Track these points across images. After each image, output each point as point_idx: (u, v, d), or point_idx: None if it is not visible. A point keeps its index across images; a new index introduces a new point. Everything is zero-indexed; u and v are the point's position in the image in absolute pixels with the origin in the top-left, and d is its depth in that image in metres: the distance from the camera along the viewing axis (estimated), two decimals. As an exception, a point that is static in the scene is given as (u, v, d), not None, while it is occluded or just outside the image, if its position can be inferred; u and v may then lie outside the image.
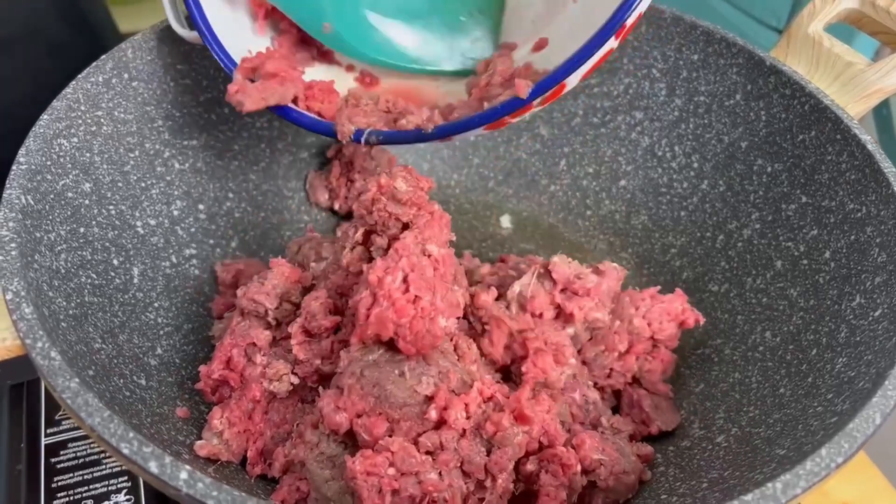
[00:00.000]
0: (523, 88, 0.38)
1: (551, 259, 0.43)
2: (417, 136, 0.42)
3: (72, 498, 0.43)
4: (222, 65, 0.43)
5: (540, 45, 0.45)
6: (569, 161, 0.57)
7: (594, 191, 0.56)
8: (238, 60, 0.43)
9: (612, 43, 0.37)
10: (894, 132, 0.95)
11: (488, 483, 0.34)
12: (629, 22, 0.36)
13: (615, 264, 0.45)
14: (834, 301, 0.40)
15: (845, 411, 0.32)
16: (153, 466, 0.26)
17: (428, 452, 0.34)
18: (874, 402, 0.30)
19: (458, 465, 0.34)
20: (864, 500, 0.60)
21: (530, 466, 0.35)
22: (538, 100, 0.38)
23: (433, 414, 0.34)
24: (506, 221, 0.57)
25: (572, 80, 0.38)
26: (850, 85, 0.47)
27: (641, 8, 0.36)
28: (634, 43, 0.53)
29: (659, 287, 0.45)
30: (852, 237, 0.41)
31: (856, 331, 0.38)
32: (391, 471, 0.32)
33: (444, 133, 0.41)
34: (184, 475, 0.26)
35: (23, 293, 0.31)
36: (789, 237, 0.46)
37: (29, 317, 0.31)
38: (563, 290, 0.43)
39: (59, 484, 0.44)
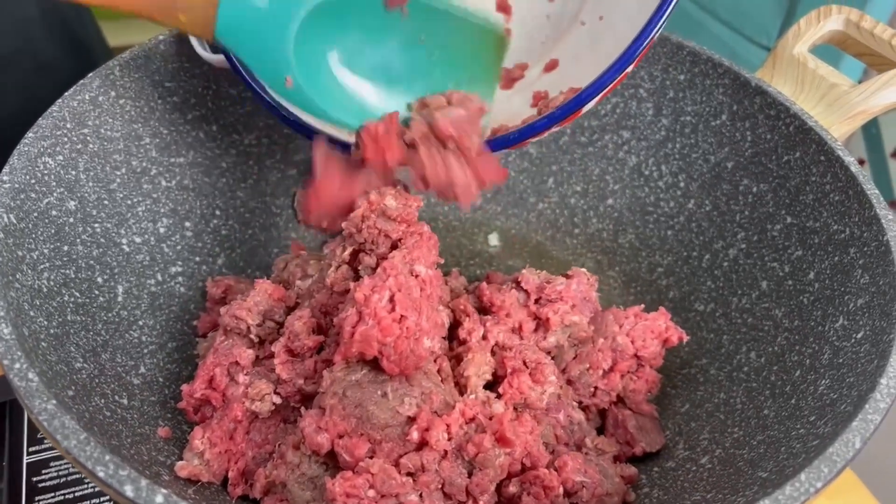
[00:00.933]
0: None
1: (520, 273, 0.44)
2: None
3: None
4: (257, 96, 0.42)
5: (551, 66, 0.45)
6: (557, 179, 0.57)
7: (582, 209, 0.57)
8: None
9: (630, 68, 0.37)
10: (884, 151, 0.95)
11: (468, 504, 0.34)
12: (647, 50, 0.36)
13: (584, 269, 0.45)
14: (818, 322, 0.41)
15: (826, 434, 0.32)
16: (129, 490, 0.26)
17: (409, 474, 0.34)
18: (854, 426, 0.30)
19: (440, 486, 0.34)
20: (852, 520, 0.60)
21: (512, 488, 0.35)
22: (557, 126, 0.39)
23: (415, 435, 0.34)
24: (493, 239, 0.57)
25: (590, 105, 0.39)
26: (835, 106, 0.48)
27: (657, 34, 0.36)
28: (622, 63, 0.53)
29: (643, 305, 0.45)
30: (836, 258, 0.42)
31: (839, 352, 0.38)
32: (371, 492, 0.32)
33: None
34: (159, 499, 0.26)
35: (2, 313, 0.31)
36: (774, 257, 0.46)
37: (7, 337, 0.31)
38: (536, 301, 0.43)
39: (40, 503, 0.43)
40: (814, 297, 0.42)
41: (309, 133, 0.42)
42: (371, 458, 0.34)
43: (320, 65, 0.41)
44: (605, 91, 0.38)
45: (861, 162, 0.96)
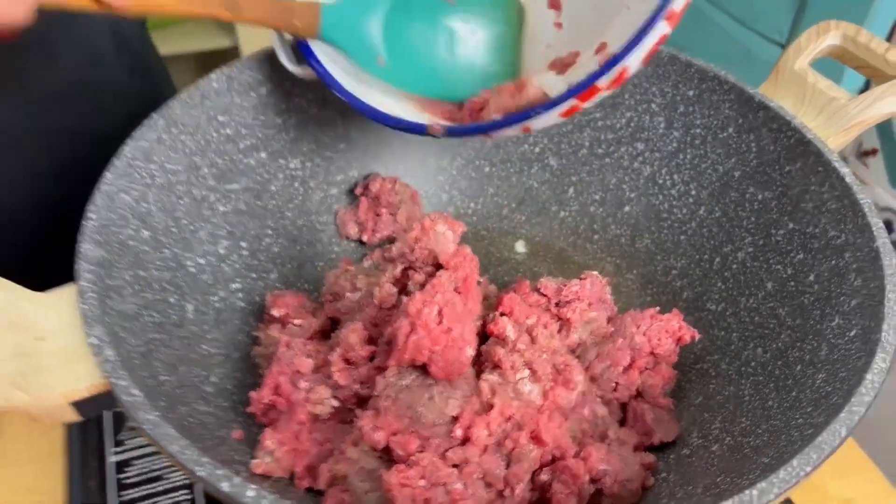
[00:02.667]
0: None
1: (540, 280, 0.49)
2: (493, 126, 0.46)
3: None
4: (342, 97, 0.49)
5: (600, 48, 0.47)
6: (577, 189, 0.62)
7: (601, 216, 0.61)
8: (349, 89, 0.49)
9: (664, 27, 0.39)
10: None
11: (507, 493, 0.39)
12: (678, 8, 0.38)
13: (596, 272, 0.51)
14: (817, 321, 0.45)
15: (820, 424, 0.37)
16: (225, 486, 0.31)
17: (454, 466, 0.39)
18: (841, 417, 0.35)
19: (481, 476, 0.39)
20: (863, 498, 0.64)
21: (544, 476, 0.40)
22: (606, 82, 0.41)
23: (459, 432, 0.39)
24: (520, 247, 0.62)
25: (634, 64, 0.41)
26: (834, 118, 0.52)
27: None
28: (634, 80, 0.58)
29: (658, 308, 0.50)
30: (833, 262, 0.46)
31: (834, 349, 0.42)
32: (422, 482, 0.37)
33: (518, 119, 0.44)
34: (250, 493, 0.31)
35: (104, 338, 0.37)
36: (778, 260, 0.50)
37: (112, 359, 0.36)
38: (556, 304, 0.48)
39: (127, 498, 0.49)
40: (813, 297, 0.46)
41: (388, 122, 0.48)
42: (421, 452, 0.39)
43: (399, 42, 0.51)
44: (642, 53, 0.40)
45: (874, 151, 1.00)
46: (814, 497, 0.64)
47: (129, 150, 0.47)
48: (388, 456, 0.40)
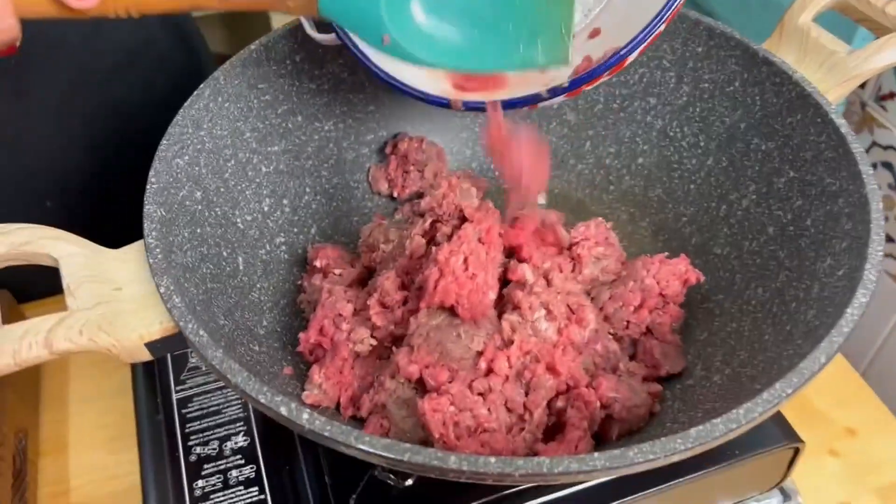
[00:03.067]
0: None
1: None
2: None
3: (202, 439, 0.55)
4: (364, 64, 0.48)
5: (594, 34, 0.49)
6: (593, 143, 0.66)
7: (615, 168, 0.65)
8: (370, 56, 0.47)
9: (661, 27, 0.43)
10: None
11: (527, 417, 0.44)
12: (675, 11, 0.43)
13: (600, 218, 0.56)
14: (811, 262, 0.49)
15: (806, 353, 0.41)
16: (283, 410, 0.37)
17: (480, 394, 0.44)
18: (822, 346, 0.39)
19: (503, 403, 0.44)
20: (865, 427, 0.69)
21: (560, 403, 0.46)
22: (607, 73, 0.44)
23: (483, 365, 0.45)
24: (541, 198, 0.66)
25: (632, 57, 0.45)
26: (833, 71, 0.55)
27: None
28: (646, 37, 0.61)
29: (667, 253, 0.54)
30: (828, 207, 0.49)
31: (825, 287, 0.46)
32: (451, 408, 0.42)
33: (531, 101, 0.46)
34: (305, 416, 0.36)
35: (171, 287, 0.42)
36: (779, 206, 0.54)
37: (179, 305, 0.41)
38: (569, 248, 0.52)
39: (190, 429, 0.55)
40: (810, 240, 0.50)
41: (409, 92, 0.48)
42: (450, 382, 0.44)
43: (408, 18, 0.46)
44: (640, 49, 0.44)
45: (892, 95, 1.01)
46: (818, 425, 0.69)
47: (181, 118, 0.52)
48: (421, 387, 0.46)
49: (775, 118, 0.55)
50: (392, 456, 0.35)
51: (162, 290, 0.42)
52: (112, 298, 0.43)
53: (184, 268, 0.46)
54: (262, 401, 0.37)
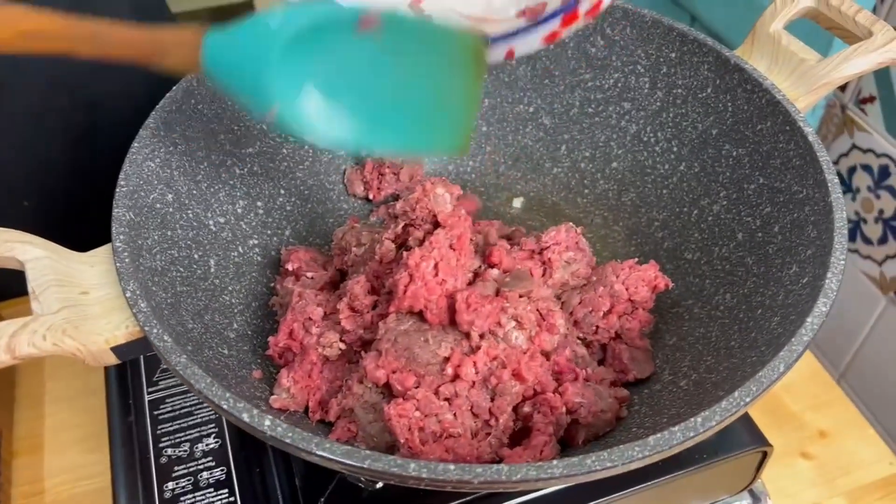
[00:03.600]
0: None
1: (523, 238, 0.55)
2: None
3: (173, 441, 0.55)
4: None
5: None
6: (568, 146, 0.66)
7: (590, 172, 0.65)
8: None
9: None
10: (893, 87, 1.00)
11: (493, 422, 0.44)
12: None
13: (570, 224, 0.56)
14: (778, 268, 0.49)
15: (767, 361, 0.42)
16: (245, 417, 0.37)
17: (446, 399, 0.44)
18: (781, 355, 0.39)
19: (469, 408, 0.44)
20: (836, 429, 0.70)
21: (526, 408, 0.46)
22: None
23: (449, 371, 0.45)
24: (517, 203, 0.66)
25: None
26: (804, 78, 0.55)
27: None
28: (621, 42, 0.61)
29: (640, 258, 0.54)
30: (795, 214, 0.50)
31: (789, 294, 0.46)
32: (417, 413, 0.43)
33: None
34: (267, 422, 0.37)
35: (137, 291, 0.42)
36: (749, 213, 0.54)
37: (144, 310, 0.41)
38: (539, 252, 0.53)
39: (162, 431, 0.55)
40: (777, 247, 0.50)
41: None
42: (416, 388, 0.44)
43: (299, 96, 0.40)
44: None
45: (872, 98, 1.02)
46: (790, 427, 0.69)
47: (153, 120, 0.52)
48: (388, 391, 0.46)
49: (746, 125, 0.55)
50: (352, 463, 0.35)
51: (128, 294, 0.42)
52: (78, 302, 0.43)
53: (152, 271, 0.46)
54: (225, 407, 0.37)
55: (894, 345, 1.02)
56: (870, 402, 0.72)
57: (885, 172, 1.01)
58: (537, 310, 0.50)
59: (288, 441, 0.36)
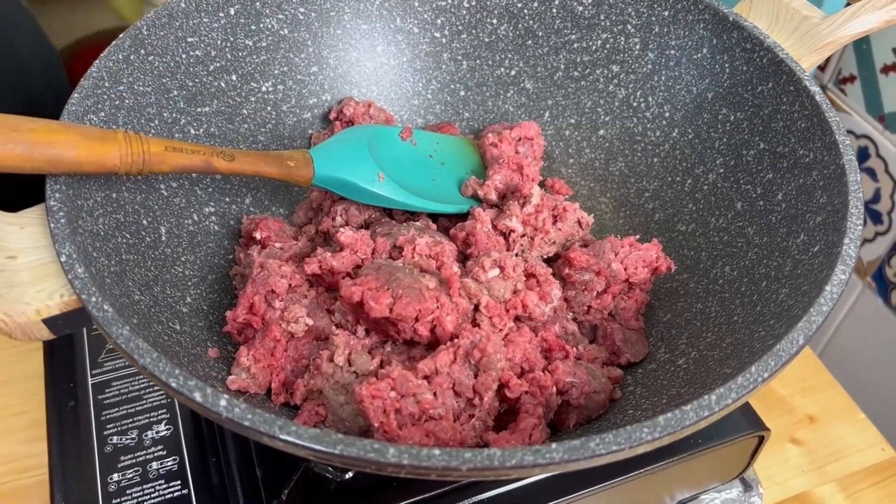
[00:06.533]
0: None
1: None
2: None
3: (119, 428, 0.49)
4: None
5: None
6: (552, 113, 0.62)
7: (576, 140, 0.61)
8: None
9: None
10: (874, 66, 0.98)
11: (476, 401, 0.40)
12: None
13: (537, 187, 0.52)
14: (783, 238, 0.46)
15: (780, 335, 0.38)
16: (198, 396, 0.32)
17: (425, 377, 0.40)
18: (799, 326, 0.36)
19: (451, 386, 0.40)
20: (826, 414, 0.67)
21: (512, 388, 0.41)
22: None
23: (429, 301, 0.41)
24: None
25: None
26: (807, 37, 0.51)
27: None
28: (610, 0, 0.57)
29: (637, 236, 0.50)
30: (801, 180, 0.46)
31: (798, 265, 0.43)
32: (392, 394, 0.38)
33: None
34: (223, 402, 0.32)
35: (74, 255, 0.37)
36: (748, 181, 0.50)
37: (82, 276, 0.36)
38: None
39: (108, 417, 0.50)
40: (781, 215, 0.47)
41: None
42: (391, 309, 0.41)
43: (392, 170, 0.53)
44: None
45: (852, 78, 1.00)
46: (780, 412, 0.66)
47: (96, 70, 0.46)
48: (362, 371, 0.41)
49: (745, 87, 0.51)
50: (322, 449, 0.30)
51: (63, 258, 0.37)
52: (4, 268, 0.37)
53: (93, 235, 0.41)
54: (174, 385, 0.32)
55: (870, 329, 1.00)
56: (846, 385, 0.69)
57: (864, 154, 0.99)
58: (530, 272, 0.46)
59: (247, 424, 0.31)
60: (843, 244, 0.39)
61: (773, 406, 0.67)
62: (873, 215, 0.99)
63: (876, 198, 0.98)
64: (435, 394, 0.39)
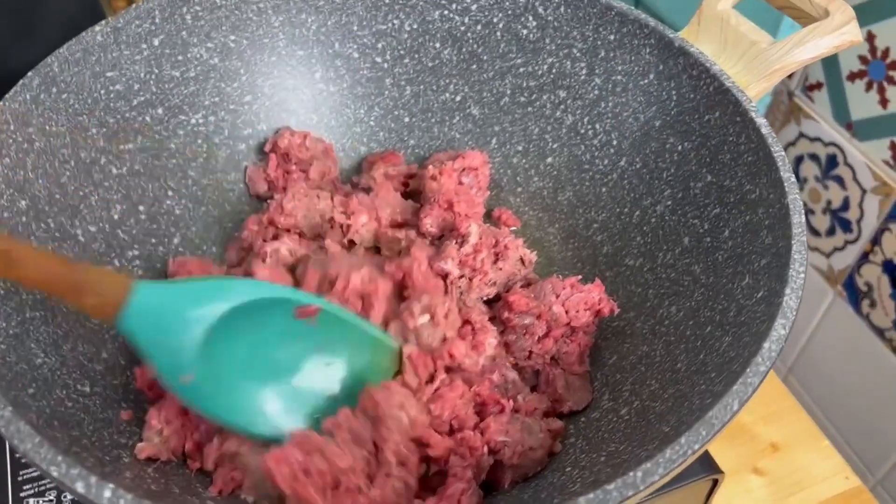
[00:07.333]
0: None
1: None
2: None
3: (37, 489, 0.47)
4: None
5: None
6: (499, 139, 0.59)
7: (524, 168, 0.59)
8: None
9: None
10: (841, 74, 0.96)
11: (382, 457, 0.37)
12: None
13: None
14: (728, 279, 0.43)
15: (719, 392, 0.36)
16: (80, 487, 0.29)
17: (328, 432, 0.38)
18: (734, 389, 0.34)
19: (352, 439, 0.38)
20: (790, 442, 0.65)
21: (438, 450, 0.39)
22: None
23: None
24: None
25: None
26: (755, 63, 0.49)
27: None
28: (555, 23, 0.55)
29: (580, 277, 0.48)
30: (747, 217, 0.44)
31: (742, 310, 0.41)
32: (298, 455, 0.36)
33: None
34: (107, 493, 0.29)
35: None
36: (696, 214, 0.48)
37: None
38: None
39: (25, 477, 0.47)
40: (727, 254, 0.45)
41: None
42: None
43: (221, 368, 0.39)
44: None
45: (819, 85, 0.98)
46: (743, 440, 0.65)
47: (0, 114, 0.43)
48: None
49: (692, 115, 0.49)
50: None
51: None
52: None
53: (-10, 295, 0.38)
54: (54, 473, 0.30)
55: (842, 338, 0.99)
56: (818, 398, 0.68)
57: (832, 162, 0.97)
58: (466, 318, 0.44)
59: (132, 518, 0.29)
60: (784, 294, 0.37)
61: (737, 434, 0.65)
62: (843, 224, 0.98)
63: (845, 206, 0.97)
64: (338, 444, 0.37)
